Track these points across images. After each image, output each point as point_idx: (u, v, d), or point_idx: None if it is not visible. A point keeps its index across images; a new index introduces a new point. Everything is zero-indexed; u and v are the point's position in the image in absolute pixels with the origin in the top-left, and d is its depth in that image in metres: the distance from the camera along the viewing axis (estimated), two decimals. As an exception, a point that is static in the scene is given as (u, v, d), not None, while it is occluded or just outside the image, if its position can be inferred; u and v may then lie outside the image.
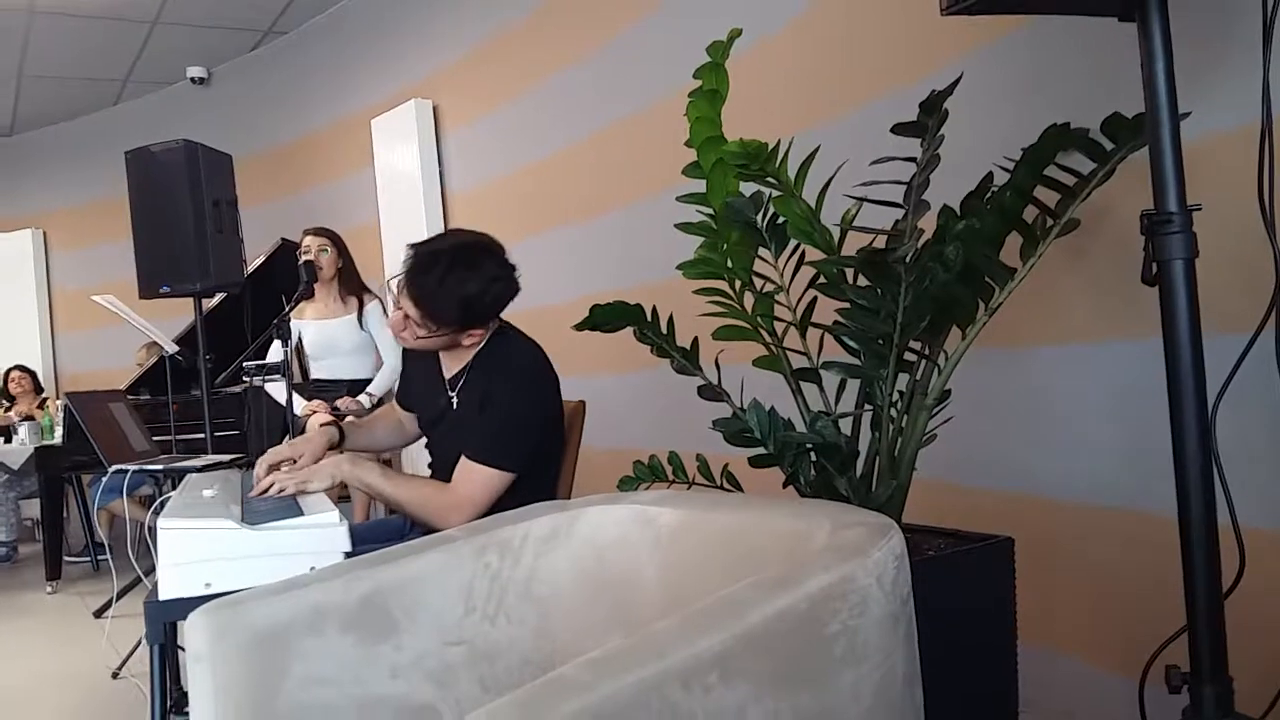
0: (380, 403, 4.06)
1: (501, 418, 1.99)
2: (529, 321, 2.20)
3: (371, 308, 4.14)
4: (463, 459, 1.99)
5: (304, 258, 3.90)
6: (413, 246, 2.02)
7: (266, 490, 1.95)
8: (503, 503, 1.95)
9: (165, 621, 1.67)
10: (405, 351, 2.29)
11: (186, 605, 1.43)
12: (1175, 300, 1.45)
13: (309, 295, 3.82)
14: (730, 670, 0.96)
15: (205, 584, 1.61)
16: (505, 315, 2.10)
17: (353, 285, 4.16)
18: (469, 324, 2.00)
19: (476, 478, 1.97)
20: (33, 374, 6.67)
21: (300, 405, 3.83)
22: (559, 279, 3.98)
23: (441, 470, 2.10)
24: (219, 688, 1.34)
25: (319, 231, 4.10)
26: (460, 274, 1.93)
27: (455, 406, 2.11)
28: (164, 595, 1.62)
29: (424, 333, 2.00)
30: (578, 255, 4.09)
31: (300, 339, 4.11)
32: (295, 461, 2.12)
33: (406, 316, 2.00)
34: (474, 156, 4.96)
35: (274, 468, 2.08)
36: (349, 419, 2.28)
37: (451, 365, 2.14)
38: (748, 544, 1.41)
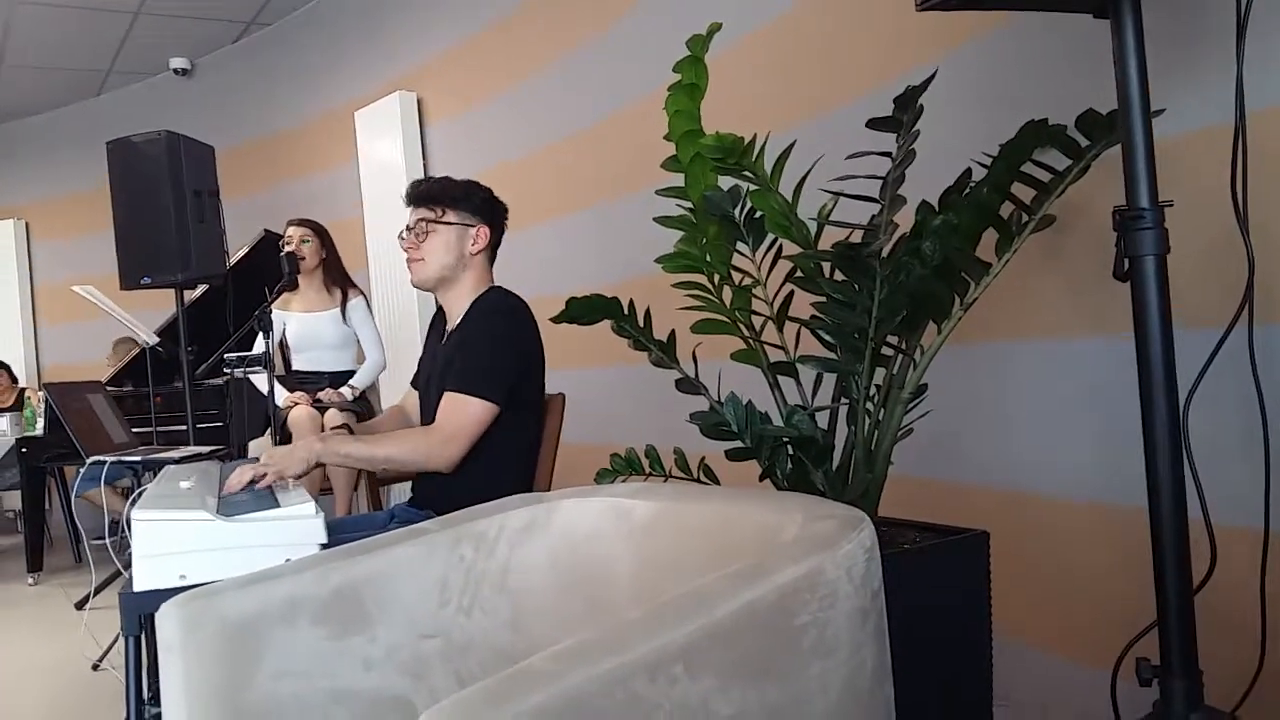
0: (363, 396, 4.05)
1: (480, 350, 2.06)
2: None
3: (355, 303, 4.13)
4: (445, 394, 2.03)
5: (286, 248, 3.89)
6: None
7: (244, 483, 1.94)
8: (485, 465, 2.00)
9: (141, 613, 1.66)
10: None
11: (162, 597, 1.42)
12: (1146, 295, 1.46)
13: (291, 287, 3.81)
14: (696, 662, 0.96)
15: (180, 575, 1.61)
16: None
17: (337, 277, 4.15)
18: (472, 210, 2.18)
19: (460, 409, 2.01)
20: (7, 368, 6.60)
21: (282, 397, 3.82)
22: (541, 273, 3.97)
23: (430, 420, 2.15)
24: (190, 679, 1.33)
25: (302, 222, 4.10)
26: (447, 177, 2.27)
27: (444, 343, 2.20)
28: (139, 587, 1.62)
29: (432, 225, 2.15)
30: (560, 249, 4.09)
31: (284, 331, 4.11)
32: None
33: (417, 232, 2.17)
34: (458, 150, 4.94)
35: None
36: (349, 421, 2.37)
37: (453, 316, 2.21)
38: (722, 536, 1.41)
